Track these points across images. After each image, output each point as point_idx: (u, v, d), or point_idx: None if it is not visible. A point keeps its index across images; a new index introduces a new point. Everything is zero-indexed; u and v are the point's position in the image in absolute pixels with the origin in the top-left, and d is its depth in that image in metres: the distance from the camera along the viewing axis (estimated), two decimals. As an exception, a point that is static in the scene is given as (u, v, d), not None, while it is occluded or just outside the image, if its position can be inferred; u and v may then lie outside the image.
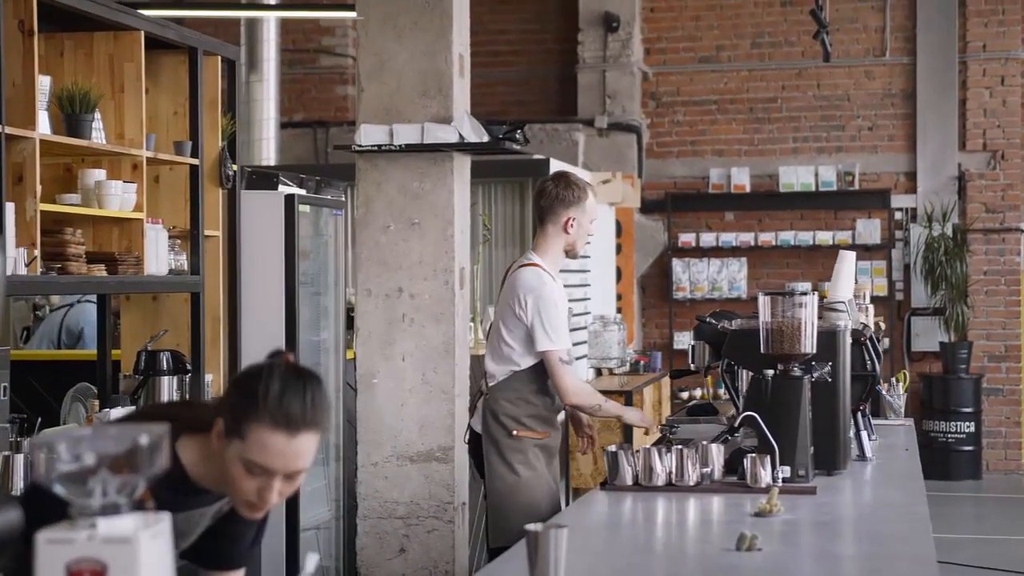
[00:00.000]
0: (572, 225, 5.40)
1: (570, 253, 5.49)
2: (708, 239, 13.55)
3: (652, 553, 3.77)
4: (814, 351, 4.77)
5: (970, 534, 10.76)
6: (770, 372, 4.74)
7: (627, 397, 9.67)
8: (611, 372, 10.88)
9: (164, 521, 1.98)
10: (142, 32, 5.48)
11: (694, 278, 13.57)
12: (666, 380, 11.51)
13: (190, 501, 2.84)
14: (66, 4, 5.15)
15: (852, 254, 6.20)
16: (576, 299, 10.73)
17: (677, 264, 13.59)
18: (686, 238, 13.60)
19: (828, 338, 4.92)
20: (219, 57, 6.22)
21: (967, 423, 12.85)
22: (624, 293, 13.13)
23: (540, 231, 5.48)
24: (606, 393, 9.28)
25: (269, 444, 2.64)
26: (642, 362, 11.41)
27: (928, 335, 13.22)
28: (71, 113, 5.08)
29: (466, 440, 5.63)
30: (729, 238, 13.53)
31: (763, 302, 4.79)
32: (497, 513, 5.38)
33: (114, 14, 5.35)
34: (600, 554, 3.70)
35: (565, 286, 5.67)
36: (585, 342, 10.44)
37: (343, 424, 7.07)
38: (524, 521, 5.14)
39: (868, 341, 5.48)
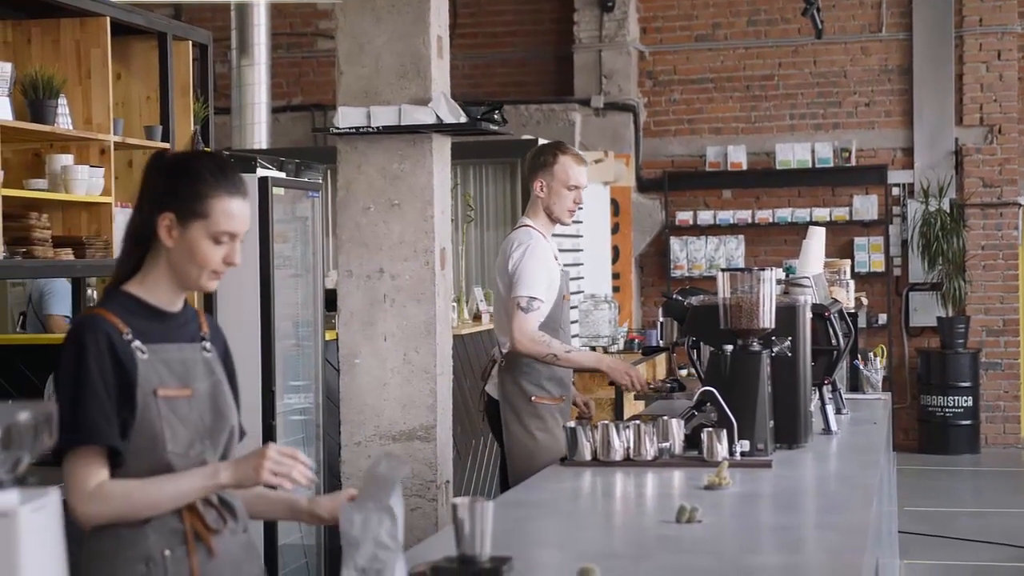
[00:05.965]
0: (543, 188, 5.67)
1: (552, 217, 5.70)
2: (705, 217, 13.56)
3: (589, 527, 3.81)
4: (772, 326, 4.80)
5: (969, 507, 10.78)
6: (729, 347, 4.77)
7: (617, 376, 9.69)
8: (605, 350, 10.91)
9: (50, 495, 2.02)
10: (108, 18, 5.51)
11: (692, 256, 13.58)
12: (662, 357, 11.54)
13: (167, 330, 3.08)
14: (31, -9, 5.20)
15: (821, 230, 6.24)
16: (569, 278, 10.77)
17: (675, 242, 13.60)
18: (683, 216, 13.61)
19: (787, 313, 4.95)
20: (190, 42, 6.25)
21: (965, 397, 12.86)
22: (622, 272, 13.16)
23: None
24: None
25: (232, 210, 3.03)
26: (637, 340, 11.42)
27: (926, 310, 13.23)
28: (35, 99, 5.12)
29: (481, 408, 5.84)
30: (726, 216, 13.53)
31: (721, 278, 4.83)
32: (517, 477, 5.53)
33: (79, 0, 5.38)
34: (537, 528, 3.73)
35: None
36: (576, 321, 10.48)
37: (323, 403, 7.12)
38: None
39: (834, 316, 5.50)
